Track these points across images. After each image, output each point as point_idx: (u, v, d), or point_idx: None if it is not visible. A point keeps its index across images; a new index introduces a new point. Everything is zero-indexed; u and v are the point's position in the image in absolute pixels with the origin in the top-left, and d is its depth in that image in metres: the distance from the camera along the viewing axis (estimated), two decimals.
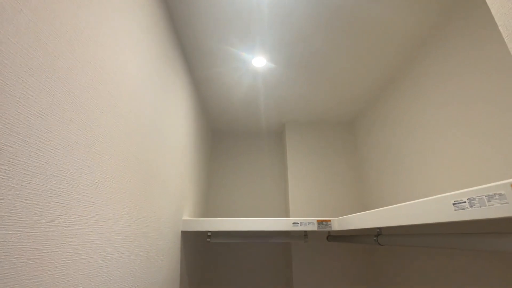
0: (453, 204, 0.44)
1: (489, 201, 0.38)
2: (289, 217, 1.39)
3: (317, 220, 1.07)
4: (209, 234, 1.18)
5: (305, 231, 1.21)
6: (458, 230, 0.77)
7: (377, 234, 0.82)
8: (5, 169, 0.29)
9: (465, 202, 0.43)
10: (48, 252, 0.34)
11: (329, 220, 1.08)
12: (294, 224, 1.04)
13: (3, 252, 0.28)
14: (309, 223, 1.05)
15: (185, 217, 1.09)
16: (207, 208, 1.64)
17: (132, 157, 0.59)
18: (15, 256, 0.30)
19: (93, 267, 0.44)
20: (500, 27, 0.38)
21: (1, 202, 0.28)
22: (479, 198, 0.40)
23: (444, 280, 0.87)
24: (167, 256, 0.85)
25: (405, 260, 1.09)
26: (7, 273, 0.29)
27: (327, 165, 1.58)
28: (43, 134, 0.34)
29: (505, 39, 0.37)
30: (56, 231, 0.36)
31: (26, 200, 0.31)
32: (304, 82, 1.28)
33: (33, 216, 0.32)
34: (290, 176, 1.54)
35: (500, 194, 0.37)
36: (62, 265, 0.37)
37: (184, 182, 1.08)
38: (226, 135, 1.83)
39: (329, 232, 1.38)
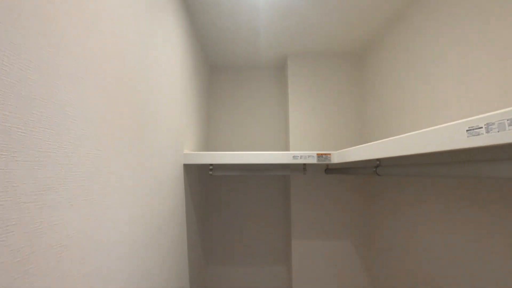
0: (467, 130, 0.42)
1: (510, 124, 0.35)
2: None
3: (317, 154, 1.08)
4: (210, 167, 1.22)
5: (304, 164, 1.24)
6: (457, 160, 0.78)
7: (376, 166, 0.83)
8: None
9: (481, 127, 0.40)
10: (42, 177, 0.33)
11: (329, 154, 1.09)
12: (294, 157, 1.06)
13: None
14: (309, 156, 1.06)
15: (186, 151, 1.10)
16: (207, 143, 1.66)
17: (126, 87, 0.54)
18: (7, 180, 0.28)
19: (93, 193, 0.44)
20: None
21: None
22: (499, 123, 0.37)
23: (436, 209, 0.93)
24: (172, 188, 0.88)
25: (400, 191, 1.15)
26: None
27: (330, 99, 1.52)
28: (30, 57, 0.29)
29: None
30: (46, 157, 0.34)
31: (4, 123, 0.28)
32: (310, 7, 1.12)
33: (16, 139, 0.30)
34: (291, 109, 1.50)
35: None
36: (63, 189, 0.37)
37: (182, 117, 1.05)
38: (225, 70, 1.72)
39: (327, 165, 1.42)
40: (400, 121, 1.17)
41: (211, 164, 1.20)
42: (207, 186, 1.61)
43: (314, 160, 1.07)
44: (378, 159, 0.82)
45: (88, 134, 0.43)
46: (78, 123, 0.40)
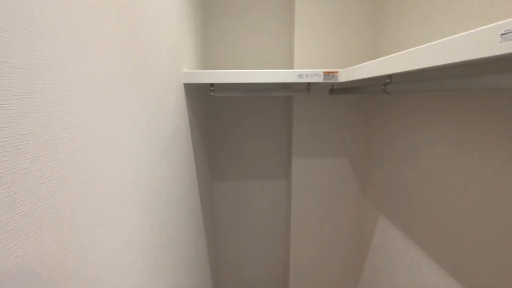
0: (502, 34, 0.38)
1: None
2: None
3: (324, 72, 1.03)
4: (212, 88, 1.18)
5: (309, 84, 1.20)
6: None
7: (385, 83, 0.80)
8: None
9: None
10: (40, 87, 0.31)
11: (336, 72, 1.04)
12: (299, 75, 1.01)
13: None
14: (314, 74, 1.01)
15: (186, 70, 1.04)
16: (207, 62, 1.56)
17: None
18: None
19: (95, 106, 0.43)
20: None
21: None
22: None
23: (440, 132, 0.94)
24: (175, 107, 0.87)
25: (404, 113, 1.14)
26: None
27: (340, 11, 1.35)
28: None
29: None
30: (43, 65, 0.31)
31: None
32: None
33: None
34: (297, 21, 1.36)
35: None
36: (63, 103, 0.35)
37: (180, 32, 0.95)
38: None
39: (332, 85, 1.38)
40: (421, 33, 1.06)
41: (212, 84, 1.15)
42: (209, 109, 1.60)
43: (320, 79, 1.02)
44: (388, 76, 0.78)
45: (80, 44, 0.38)
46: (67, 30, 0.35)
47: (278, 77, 1.00)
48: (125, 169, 0.51)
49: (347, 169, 1.53)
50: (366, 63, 0.83)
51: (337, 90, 1.27)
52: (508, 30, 0.37)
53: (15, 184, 0.28)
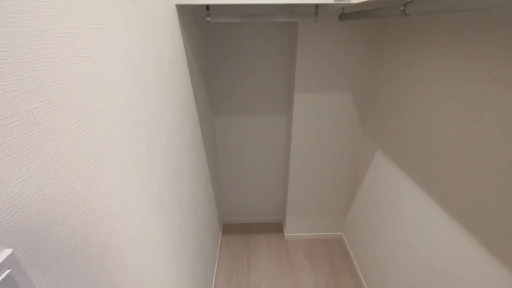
0: None
1: None
2: None
3: None
4: (207, 12, 1.05)
5: (316, 7, 1.06)
6: None
7: (406, 3, 0.70)
8: None
9: None
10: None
11: None
12: None
13: None
14: None
15: None
16: None
17: None
18: None
19: (87, 27, 0.38)
20: None
21: None
22: None
23: (451, 66, 0.87)
24: (168, 36, 0.78)
25: (417, 43, 1.05)
26: None
27: None
28: None
29: None
30: None
31: None
32: None
33: None
34: None
35: None
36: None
37: None
38: None
39: (343, 9, 1.23)
40: None
41: (207, 7, 1.02)
42: (207, 37, 1.47)
43: (331, 0, 0.90)
44: None
45: None
46: None
47: None
48: (120, 97, 0.48)
49: (350, 104, 1.51)
50: None
51: (348, 14, 1.14)
52: None
53: (4, 108, 0.26)
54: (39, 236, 0.29)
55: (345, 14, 1.17)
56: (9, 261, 0.26)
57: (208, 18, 1.05)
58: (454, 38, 0.85)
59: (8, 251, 0.26)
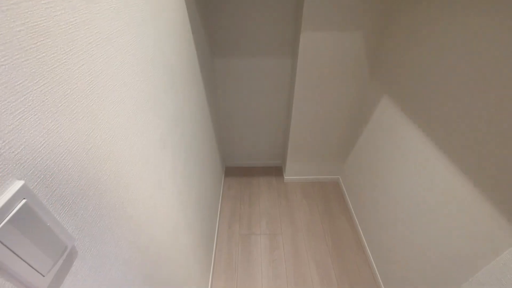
0: None
1: None
2: None
3: None
4: None
5: None
6: None
7: None
8: None
9: None
10: None
11: None
12: None
13: None
14: None
15: None
16: None
17: None
18: None
19: None
20: None
21: None
22: None
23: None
24: None
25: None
26: None
27: None
28: None
29: None
30: None
31: None
32: None
33: None
34: None
35: None
36: None
37: None
38: None
39: None
40: None
41: None
42: None
43: None
44: None
45: None
46: None
47: None
48: (117, 27, 0.44)
49: (358, 44, 1.40)
50: None
51: None
52: None
53: None
54: (49, 170, 0.29)
55: None
56: (23, 192, 0.26)
57: None
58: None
59: (20, 183, 0.26)
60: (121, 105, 0.45)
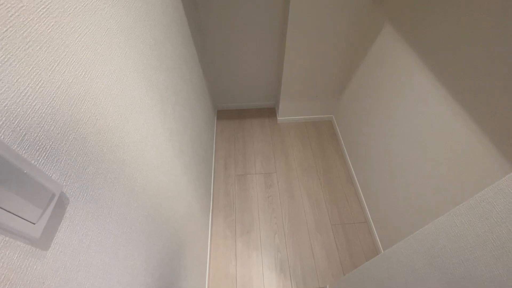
0: None
1: None
2: None
3: None
4: None
5: None
6: None
7: None
8: None
9: None
10: None
11: None
12: None
13: None
14: None
15: None
16: None
17: None
18: None
19: None
20: None
21: None
22: None
23: None
24: None
25: None
26: None
27: None
28: None
29: None
30: None
31: None
32: None
33: None
34: None
35: None
36: None
37: None
38: None
39: None
40: None
41: None
42: None
43: None
44: None
45: None
46: None
47: None
48: None
49: None
50: None
51: None
52: None
53: None
54: (11, 111, 0.25)
55: None
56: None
57: None
58: None
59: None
60: (88, 35, 0.38)
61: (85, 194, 0.36)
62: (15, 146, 0.25)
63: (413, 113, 1.11)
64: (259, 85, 2.01)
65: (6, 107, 0.24)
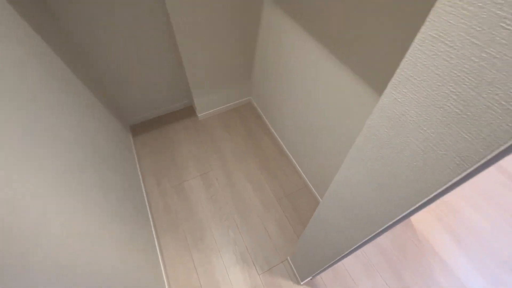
0: None
1: None
2: None
3: None
4: None
5: None
6: None
7: None
8: None
9: None
10: None
11: None
12: None
13: None
14: None
15: None
16: None
17: None
18: None
19: None
20: None
21: None
22: None
23: None
24: None
25: None
26: None
27: None
28: None
29: None
30: None
31: None
32: None
33: None
34: None
35: None
36: None
37: None
38: None
39: None
40: None
41: None
42: None
43: None
44: None
45: None
46: None
47: None
48: None
49: None
50: None
51: None
52: None
53: None
54: None
55: None
56: None
57: None
58: None
59: None
60: None
61: None
62: None
63: (310, 76, 1.18)
64: (167, 88, 1.88)
65: None
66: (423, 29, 0.27)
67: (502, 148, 0.25)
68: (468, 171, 0.29)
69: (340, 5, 0.85)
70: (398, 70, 0.32)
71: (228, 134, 1.96)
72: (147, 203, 1.59)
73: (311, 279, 1.38)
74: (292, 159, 1.78)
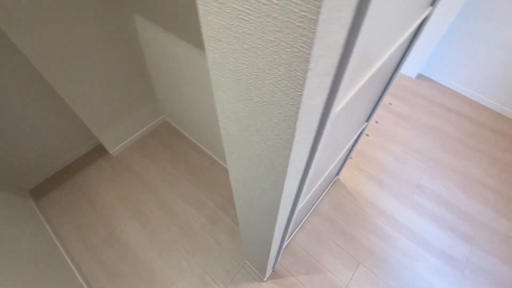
0: None
1: None
2: None
3: None
4: None
5: None
6: None
7: None
8: None
9: None
10: None
11: None
12: None
13: None
14: None
15: None
16: None
17: None
18: None
19: None
20: None
21: None
22: None
23: None
24: None
25: None
26: None
27: None
28: None
29: None
30: None
31: None
32: None
33: None
34: None
35: None
36: None
37: None
38: None
39: None
40: None
41: None
42: None
43: None
44: None
45: None
46: None
47: None
48: None
49: None
50: None
51: None
52: None
53: None
54: None
55: None
56: None
57: None
58: None
59: None
60: None
61: None
62: None
63: (197, 70, 1.17)
64: (63, 135, 1.63)
65: None
66: (203, 30, 0.27)
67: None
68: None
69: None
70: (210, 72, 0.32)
71: (150, 161, 1.83)
72: (75, 272, 1.36)
73: (273, 271, 1.40)
74: (219, 161, 1.76)
